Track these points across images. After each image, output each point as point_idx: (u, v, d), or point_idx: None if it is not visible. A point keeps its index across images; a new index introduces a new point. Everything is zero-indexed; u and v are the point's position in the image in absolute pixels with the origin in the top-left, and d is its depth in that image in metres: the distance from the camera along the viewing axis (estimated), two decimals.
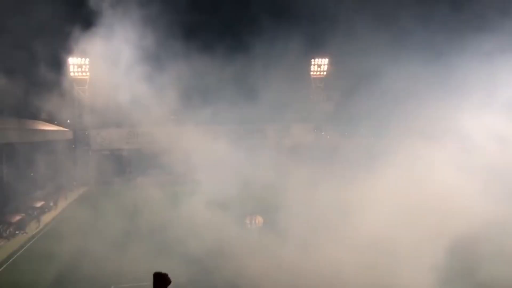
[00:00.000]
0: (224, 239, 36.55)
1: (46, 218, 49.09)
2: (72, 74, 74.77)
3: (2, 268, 32.99)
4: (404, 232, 31.32)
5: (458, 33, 40.89)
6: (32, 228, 44.38)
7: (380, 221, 34.35)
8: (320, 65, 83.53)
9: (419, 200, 35.51)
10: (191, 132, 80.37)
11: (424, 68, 45.23)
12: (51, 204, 54.59)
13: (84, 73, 75.23)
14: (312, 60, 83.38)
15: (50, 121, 77.24)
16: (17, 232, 41.98)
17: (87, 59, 74.02)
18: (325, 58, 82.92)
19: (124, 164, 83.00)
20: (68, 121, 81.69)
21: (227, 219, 41.42)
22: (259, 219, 43.01)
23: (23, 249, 37.65)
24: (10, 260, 34.52)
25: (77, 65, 74.49)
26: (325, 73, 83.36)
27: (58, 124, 78.47)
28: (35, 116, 71.81)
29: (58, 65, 71.91)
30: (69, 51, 71.00)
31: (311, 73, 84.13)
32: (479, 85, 36.70)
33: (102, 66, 57.85)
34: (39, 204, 51.65)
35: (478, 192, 33.27)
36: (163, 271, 7.57)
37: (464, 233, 30.34)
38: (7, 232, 40.80)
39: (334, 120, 78.09)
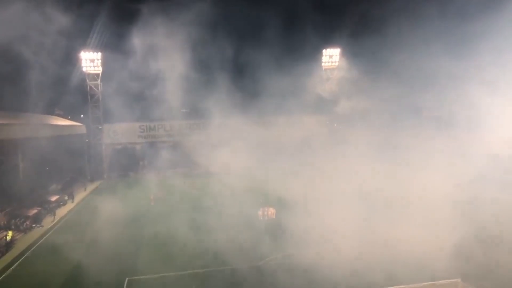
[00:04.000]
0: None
1: (62, 211, 49.65)
2: (84, 68, 75.18)
3: (22, 258, 33.58)
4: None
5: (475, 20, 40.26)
6: (48, 222, 44.97)
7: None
8: (331, 56, 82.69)
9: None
10: (205, 125, 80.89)
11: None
12: (66, 198, 55.20)
13: (96, 68, 75.55)
14: (324, 50, 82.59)
15: (64, 116, 78.09)
16: (33, 225, 42.58)
17: (99, 54, 74.42)
18: (336, 49, 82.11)
19: (137, 157, 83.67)
20: (82, 115, 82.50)
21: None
22: (272, 211, 42.86)
23: (41, 241, 38.18)
24: (29, 251, 35.10)
25: (89, 59, 74.78)
26: (336, 63, 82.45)
27: (71, 119, 79.26)
28: (49, 111, 72.57)
29: (72, 61, 72.73)
30: (82, 46, 72.12)
31: (323, 64, 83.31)
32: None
33: (115, 61, 58.49)
34: (54, 198, 52.31)
35: None
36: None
37: None
38: (24, 225, 41.39)
39: (347, 111, 77.28)
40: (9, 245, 36.14)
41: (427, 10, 44.42)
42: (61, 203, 53.20)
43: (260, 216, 42.00)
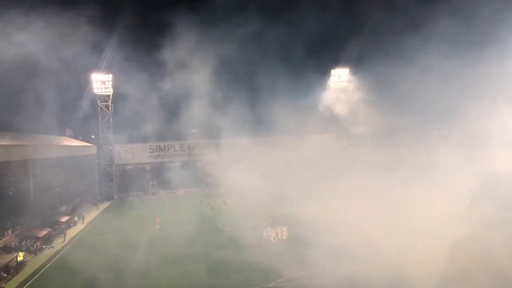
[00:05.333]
0: None
1: (72, 232, 49.55)
2: (95, 90, 76.07)
3: (33, 280, 33.41)
4: None
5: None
6: (58, 243, 44.89)
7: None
8: (340, 76, 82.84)
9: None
10: (214, 145, 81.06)
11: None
12: (76, 218, 55.13)
13: (107, 89, 76.43)
14: (332, 70, 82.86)
15: (75, 136, 78.72)
16: (44, 246, 42.47)
17: (110, 75, 75.37)
18: (345, 68, 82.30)
19: (147, 177, 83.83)
20: (92, 136, 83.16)
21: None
22: (284, 231, 41.66)
23: (51, 262, 37.96)
24: (40, 273, 34.91)
25: (100, 81, 75.75)
26: (345, 83, 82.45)
27: (82, 140, 79.89)
28: (60, 132, 73.23)
29: (82, 82, 73.72)
30: (92, 68, 73.13)
31: (332, 83, 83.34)
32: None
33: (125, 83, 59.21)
34: (64, 219, 52.26)
35: None
36: None
37: None
38: (35, 246, 41.29)
39: (356, 130, 76.96)
40: (19, 266, 36.03)
41: (437, 26, 44.41)
42: (71, 224, 53.12)
43: (268, 237, 40.99)
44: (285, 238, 40.99)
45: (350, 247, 33.58)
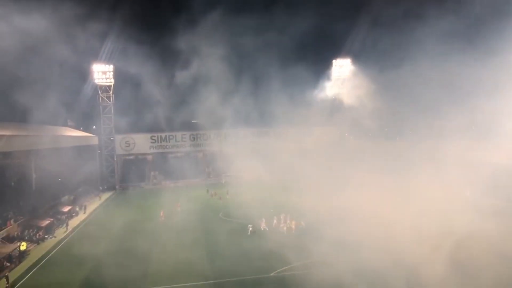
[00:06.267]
0: None
1: (74, 222, 49.86)
2: (96, 80, 76.02)
3: (36, 269, 33.65)
4: None
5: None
6: (61, 232, 45.23)
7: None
8: (342, 66, 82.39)
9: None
10: (216, 135, 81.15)
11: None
12: (77, 209, 55.50)
13: (108, 80, 76.37)
14: (334, 61, 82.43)
15: (76, 127, 78.84)
16: (46, 236, 42.80)
17: (111, 66, 75.26)
18: (347, 59, 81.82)
19: (149, 168, 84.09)
20: (94, 127, 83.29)
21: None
22: (291, 222, 41.32)
23: (54, 251, 38.23)
24: (42, 262, 35.17)
25: (101, 71, 75.65)
26: (347, 74, 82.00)
27: (83, 130, 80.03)
28: (62, 123, 73.31)
29: (84, 72, 73.64)
30: (93, 58, 73.03)
31: (333, 74, 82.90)
32: None
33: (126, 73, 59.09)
34: (66, 209, 52.60)
35: None
36: None
37: None
38: (37, 236, 41.60)
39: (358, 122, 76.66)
40: (22, 255, 36.34)
41: (441, 17, 44.16)
42: (74, 214, 53.48)
43: (277, 227, 40.90)
44: (293, 230, 40.41)
45: (355, 238, 33.61)
